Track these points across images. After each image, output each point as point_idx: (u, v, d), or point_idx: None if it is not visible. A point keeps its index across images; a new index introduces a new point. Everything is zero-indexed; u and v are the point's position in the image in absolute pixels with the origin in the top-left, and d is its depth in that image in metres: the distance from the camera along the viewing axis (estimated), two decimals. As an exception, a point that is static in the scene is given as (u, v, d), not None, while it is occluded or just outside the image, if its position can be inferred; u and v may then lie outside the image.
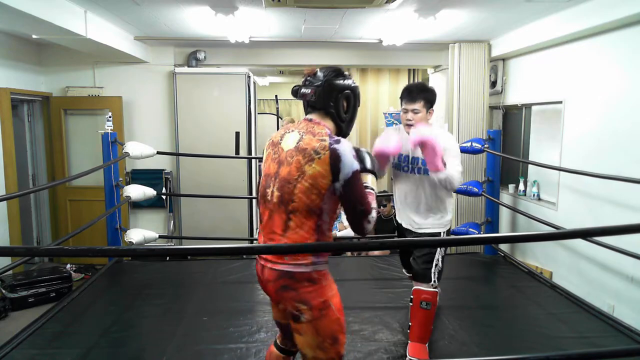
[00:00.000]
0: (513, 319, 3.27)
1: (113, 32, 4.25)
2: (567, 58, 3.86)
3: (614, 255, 3.17)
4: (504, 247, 4.69)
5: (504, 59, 4.85)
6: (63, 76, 5.23)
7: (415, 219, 2.68)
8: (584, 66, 3.67)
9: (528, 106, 4.55)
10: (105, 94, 5.23)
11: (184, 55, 5.31)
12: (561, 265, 3.92)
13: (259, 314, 3.31)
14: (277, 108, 8.44)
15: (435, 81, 5.85)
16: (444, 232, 2.67)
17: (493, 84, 4.94)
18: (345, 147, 1.66)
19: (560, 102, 3.90)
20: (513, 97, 4.73)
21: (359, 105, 1.88)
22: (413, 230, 2.70)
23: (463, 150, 4.53)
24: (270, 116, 8.57)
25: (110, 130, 4.25)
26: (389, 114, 6.34)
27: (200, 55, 5.27)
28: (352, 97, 1.82)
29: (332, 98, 1.78)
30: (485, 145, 4.36)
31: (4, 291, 4.08)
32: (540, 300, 3.55)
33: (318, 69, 1.86)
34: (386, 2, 3.27)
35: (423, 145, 2.36)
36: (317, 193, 1.66)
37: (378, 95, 6.88)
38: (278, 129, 8.49)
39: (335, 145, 1.66)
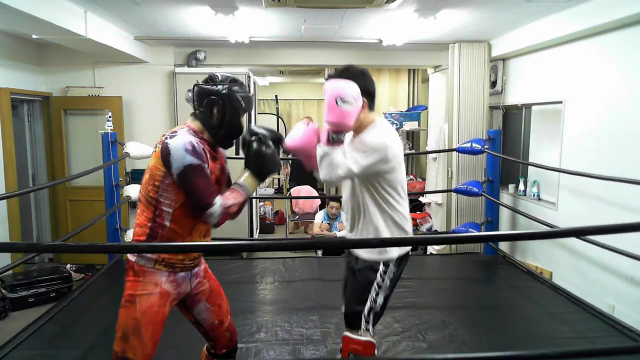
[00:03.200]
0: (513, 319, 3.27)
1: (113, 32, 4.25)
2: (567, 58, 3.86)
3: (613, 256, 3.17)
4: (504, 247, 4.69)
5: (504, 59, 4.85)
6: (63, 76, 5.23)
7: (351, 238, 2.11)
8: (584, 66, 3.67)
9: (528, 106, 4.55)
10: (105, 94, 5.23)
11: (184, 55, 5.31)
12: (561, 265, 3.92)
13: (259, 314, 3.31)
14: (277, 108, 8.44)
15: (435, 81, 5.85)
16: (383, 264, 2.00)
17: (493, 84, 4.94)
18: (178, 142, 1.68)
19: (560, 102, 3.90)
20: (513, 97, 4.73)
21: (240, 112, 1.82)
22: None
23: (463, 151, 4.54)
24: (270, 116, 8.57)
25: (110, 130, 4.25)
26: (389, 114, 6.35)
27: (200, 55, 5.27)
28: (222, 104, 1.78)
29: (201, 103, 1.80)
30: (485, 146, 4.36)
31: (4, 291, 4.08)
32: (540, 300, 3.55)
33: (212, 75, 1.87)
34: (386, 2, 3.27)
35: (327, 104, 1.85)
36: (152, 184, 1.74)
37: (378, 95, 6.74)
38: (278, 129, 8.49)
39: (168, 140, 1.70)
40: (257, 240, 5.35)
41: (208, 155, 1.80)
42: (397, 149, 1.95)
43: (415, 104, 6.90)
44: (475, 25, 4.18)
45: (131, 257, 1.79)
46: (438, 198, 5.53)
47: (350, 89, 1.84)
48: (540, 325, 3.12)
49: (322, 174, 1.87)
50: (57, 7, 3.31)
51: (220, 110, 1.79)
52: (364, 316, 2.00)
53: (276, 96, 8.56)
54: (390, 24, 4.14)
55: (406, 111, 6.64)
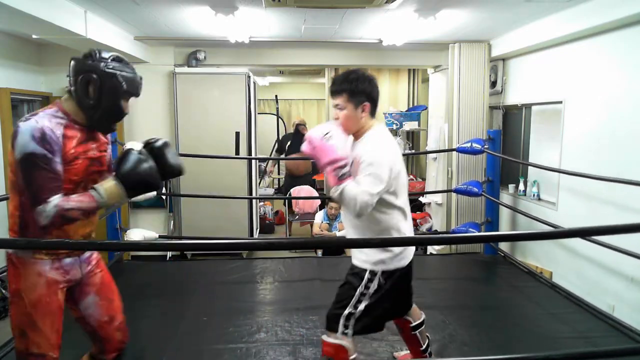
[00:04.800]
0: (513, 319, 3.27)
1: (113, 32, 4.25)
2: (567, 58, 3.86)
3: (614, 256, 3.17)
4: (504, 247, 4.69)
5: (504, 59, 4.85)
6: (63, 76, 5.21)
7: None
8: (584, 66, 3.67)
9: (528, 106, 4.55)
10: (105, 94, 5.22)
11: (184, 55, 5.31)
12: (561, 265, 3.92)
13: (259, 314, 3.31)
14: (277, 108, 8.45)
15: (435, 81, 5.85)
16: (369, 272, 1.98)
17: (493, 84, 4.94)
18: (28, 126, 1.53)
19: (560, 102, 3.90)
20: (513, 97, 4.73)
21: (120, 93, 1.66)
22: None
23: (462, 151, 4.54)
24: (270, 116, 8.57)
25: (110, 130, 4.24)
26: (389, 114, 6.34)
27: (200, 55, 5.27)
28: (99, 82, 1.61)
29: (76, 80, 1.63)
30: (485, 146, 4.36)
31: (3, 291, 4.08)
32: (540, 300, 3.55)
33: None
34: (386, 2, 3.27)
35: (312, 149, 1.87)
36: (12, 170, 1.62)
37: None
38: (278, 129, 8.50)
39: (20, 123, 1.56)
40: (258, 240, 5.36)
41: (75, 140, 1.64)
42: (398, 158, 1.96)
43: (415, 104, 6.90)
44: (475, 25, 4.18)
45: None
46: (438, 198, 5.52)
47: (326, 127, 1.90)
48: (540, 325, 3.12)
49: (353, 213, 1.85)
50: (57, 7, 3.31)
51: (97, 89, 1.62)
52: (342, 320, 1.97)
53: (276, 96, 8.57)
54: (390, 24, 4.14)
55: (406, 111, 6.63)
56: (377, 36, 4.73)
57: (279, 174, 8.54)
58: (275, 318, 3.23)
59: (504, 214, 4.79)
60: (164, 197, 5.25)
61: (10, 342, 2.78)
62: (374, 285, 1.97)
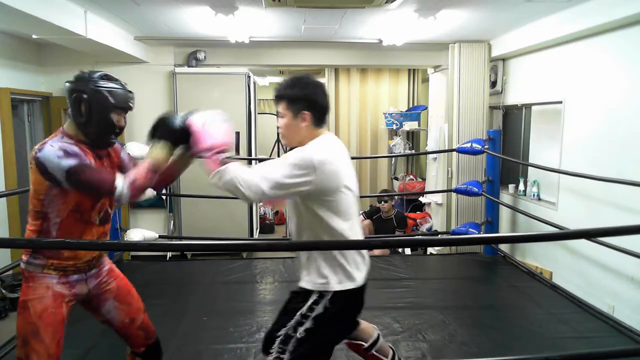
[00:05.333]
0: (513, 319, 3.27)
1: (113, 32, 4.25)
2: (567, 58, 3.86)
3: (614, 256, 3.17)
4: (504, 247, 4.69)
5: (504, 59, 4.85)
6: (63, 76, 5.20)
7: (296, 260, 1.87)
8: (584, 66, 3.67)
9: (528, 106, 4.55)
10: (105, 94, 5.22)
11: (184, 55, 5.31)
12: (561, 265, 3.92)
13: (259, 314, 3.31)
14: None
15: (435, 81, 5.85)
16: (317, 294, 1.75)
17: (493, 84, 4.94)
18: (47, 154, 1.67)
19: (560, 102, 3.90)
20: (513, 97, 4.73)
21: (109, 107, 1.76)
22: None
23: (463, 151, 4.54)
24: (270, 116, 8.57)
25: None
26: (389, 114, 6.34)
27: (200, 55, 5.27)
28: (87, 100, 1.73)
29: (70, 101, 1.76)
30: (486, 147, 4.36)
31: (4, 291, 4.08)
32: (540, 300, 3.55)
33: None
34: (386, 2, 3.27)
35: (192, 135, 1.77)
36: (37, 198, 1.75)
37: (378, 95, 6.88)
38: (278, 128, 8.48)
39: (38, 154, 1.68)
40: (258, 240, 5.36)
41: (90, 157, 1.78)
42: (334, 164, 1.70)
43: (415, 104, 6.90)
44: (475, 25, 4.18)
45: (22, 265, 1.81)
46: (438, 198, 5.52)
47: (208, 113, 1.80)
48: (540, 325, 3.12)
49: (241, 198, 1.68)
50: (57, 7, 3.31)
51: (87, 106, 1.73)
52: (278, 341, 1.74)
53: (276, 96, 8.56)
54: (390, 24, 4.14)
55: (406, 111, 6.64)
56: (377, 36, 4.73)
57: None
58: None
59: (504, 214, 4.79)
60: (164, 197, 5.24)
61: (11, 342, 2.78)
62: (320, 308, 1.74)
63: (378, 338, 2.12)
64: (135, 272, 4.16)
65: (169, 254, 5.18)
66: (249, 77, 5.24)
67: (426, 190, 6.05)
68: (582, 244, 3.52)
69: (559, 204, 3.93)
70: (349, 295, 1.77)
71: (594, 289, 3.49)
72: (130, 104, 1.87)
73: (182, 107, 5.13)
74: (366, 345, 2.09)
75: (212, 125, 1.75)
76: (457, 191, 4.62)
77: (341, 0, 3.30)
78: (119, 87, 1.82)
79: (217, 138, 1.72)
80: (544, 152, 4.28)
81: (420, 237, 5.29)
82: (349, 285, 1.76)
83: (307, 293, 1.77)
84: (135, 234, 4.20)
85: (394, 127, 6.25)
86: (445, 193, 5.20)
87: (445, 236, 4.84)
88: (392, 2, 3.27)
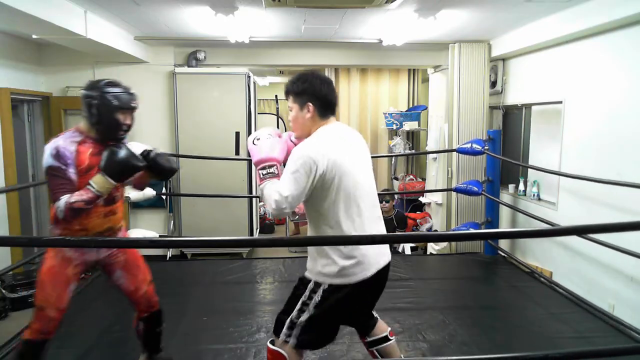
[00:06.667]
0: (513, 319, 3.27)
1: (113, 32, 4.25)
2: (567, 58, 3.86)
3: (614, 255, 3.17)
4: (504, 247, 4.69)
5: (504, 59, 4.85)
6: (63, 76, 5.23)
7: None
8: (584, 66, 3.67)
9: (528, 106, 4.55)
10: (105, 94, 5.22)
11: (184, 55, 5.31)
12: (561, 265, 3.92)
13: (259, 314, 3.31)
14: (277, 108, 8.44)
15: (435, 81, 5.85)
16: (314, 283, 1.87)
17: (493, 84, 4.94)
18: (49, 146, 2.06)
19: (560, 102, 3.90)
20: (513, 97, 4.73)
21: (114, 108, 2.09)
22: None
23: (463, 152, 4.54)
24: (270, 116, 8.57)
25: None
26: (389, 114, 6.34)
27: (200, 55, 5.27)
28: (96, 103, 2.08)
29: (83, 105, 2.13)
30: (486, 147, 4.36)
31: (4, 291, 4.08)
32: (540, 300, 3.55)
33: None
34: (386, 2, 3.27)
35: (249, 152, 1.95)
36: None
37: (378, 95, 6.88)
38: (278, 128, 8.49)
39: (46, 145, 2.07)
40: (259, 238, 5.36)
41: (88, 153, 2.10)
42: (332, 158, 1.76)
43: (415, 104, 6.90)
44: (475, 25, 4.18)
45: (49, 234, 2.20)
46: (438, 198, 5.52)
47: (258, 132, 1.95)
48: (540, 325, 3.12)
49: (269, 210, 1.79)
50: (57, 7, 3.31)
51: (96, 109, 2.09)
52: (285, 326, 1.88)
53: (276, 96, 8.56)
54: (390, 24, 4.14)
55: (406, 111, 6.63)
56: (377, 36, 4.73)
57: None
58: (275, 318, 3.23)
59: (504, 213, 4.79)
60: (164, 197, 5.25)
61: (11, 342, 2.78)
62: (317, 297, 1.85)
63: (385, 338, 2.14)
64: (135, 272, 4.16)
65: (169, 254, 5.18)
66: (249, 77, 5.24)
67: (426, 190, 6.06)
68: (582, 243, 3.52)
69: (559, 204, 3.93)
70: (343, 289, 1.83)
71: (594, 288, 3.49)
72: (133, 105, 2.19)
73: (182, 107, 5.14)
74: (369, 339, 2.14)
75: (259, 142, 1.89)
76: (457, 190, 4.62)
77: (341, 0, 3.30)
78: (122, 90, 2.15)
79: (260, 155, 1.85)
80: (544, 152, 4.28)
81: (416, 233, 5.28)
82: (340, 281, 1.83)
83: (307, 281, 1.91)
84: (135, 234, 4.20)
85: (394, 127, 6.25)
86: (446, 193, 5.20)
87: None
88: (392, 2, 3.27)
